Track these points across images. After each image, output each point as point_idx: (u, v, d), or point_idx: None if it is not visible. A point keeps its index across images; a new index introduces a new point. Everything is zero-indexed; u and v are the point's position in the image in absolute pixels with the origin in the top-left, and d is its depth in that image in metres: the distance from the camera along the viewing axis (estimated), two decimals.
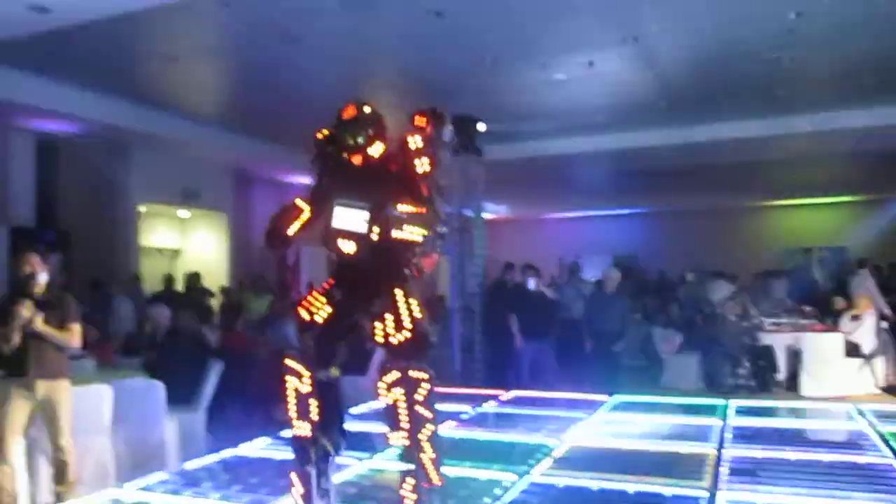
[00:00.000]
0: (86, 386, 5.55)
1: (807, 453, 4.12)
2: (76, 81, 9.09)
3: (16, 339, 4.94)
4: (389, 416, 3.06)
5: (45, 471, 5.18)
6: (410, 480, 2.99)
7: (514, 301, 9.48)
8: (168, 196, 12.64)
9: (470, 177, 10.59)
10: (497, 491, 3.46)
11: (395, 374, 3.04)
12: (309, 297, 3.26)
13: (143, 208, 12.29)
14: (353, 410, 5.36)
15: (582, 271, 13.34)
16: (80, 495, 4.16)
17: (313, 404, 3.17)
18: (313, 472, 3.17)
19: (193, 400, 6.69)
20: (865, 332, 10.24)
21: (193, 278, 11.57)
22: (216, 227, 14.04)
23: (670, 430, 4.90)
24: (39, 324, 4.97)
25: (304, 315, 3.22)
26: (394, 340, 3.07)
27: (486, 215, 11.89)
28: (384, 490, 3.52)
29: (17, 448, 4.97)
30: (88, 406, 5.47)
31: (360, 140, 3.25)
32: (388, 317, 3.09)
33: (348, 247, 3.15)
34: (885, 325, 10.76)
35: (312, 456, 3.17)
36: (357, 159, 3.26)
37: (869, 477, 3.65)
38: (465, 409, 5.56)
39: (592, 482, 3.56)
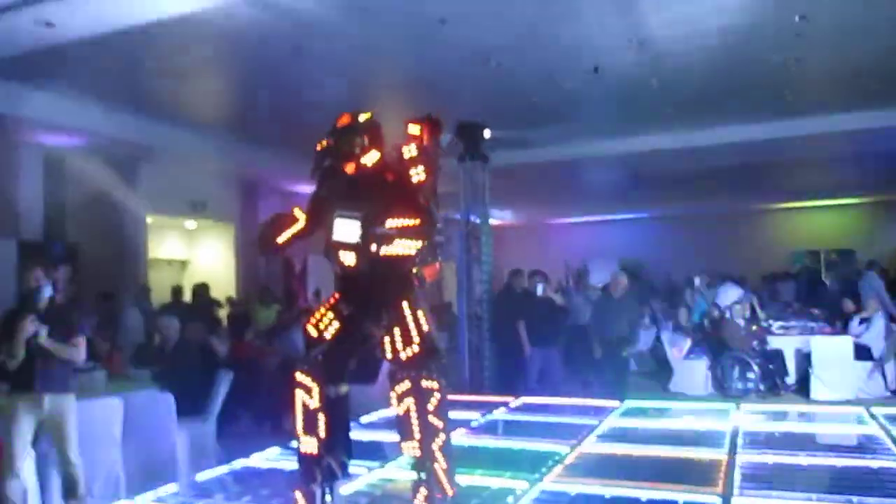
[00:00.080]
0: (96, 399, 5.56)
1: (819, 458, 4.11)
2: (83, 95, 9.11)
3: (21, 353, 4.95)
4: (401, 426, 3.05)
5: (56, 485, 5.18)
6: (423, 491, 2.99)
7: (522, 307, 9.46)
8: (175, 207, 12.66)
9: (476, 183, 10.61)
10: (509, 499, 3.45)
11: (406, 385, 3.03)
12: (316, 314, 3.25)
13: (150, 220, 12.33)
14: (364, 419, 5.36)
15: (589, 276, 13.32)
16: None
17: (321, 420, 3.15)
18: (318, 491, 3.15)
19: (203, 411, 6.69)
20: (875, 335, 10.19)
21: (202, 289, 11.59)
22: (223, 237, 14.07)
23: (682, 435, 4.89)
24: (44, 338, 4.99)
25: (313, 332, 3.21)
26: (403, 355, 3.06)
27: (492, 221, 11.89)
28: (396, 500, 3.51)
29: (26, 462, 4.98)
30: (99, 419, 5.49)
31: (354, 148, 3.23)
32: (396, 331, 3.08)
33: (349, 258, 3.15)
34: (895, 327, 10.70)
35: (318, 475, 3.15)
36: (350, 167, 3.24)
37: (883, 481, 3.63)
38: (475, 416, 5.56)
39: (605, 489, 3.55)
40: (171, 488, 3.86)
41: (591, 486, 3.60)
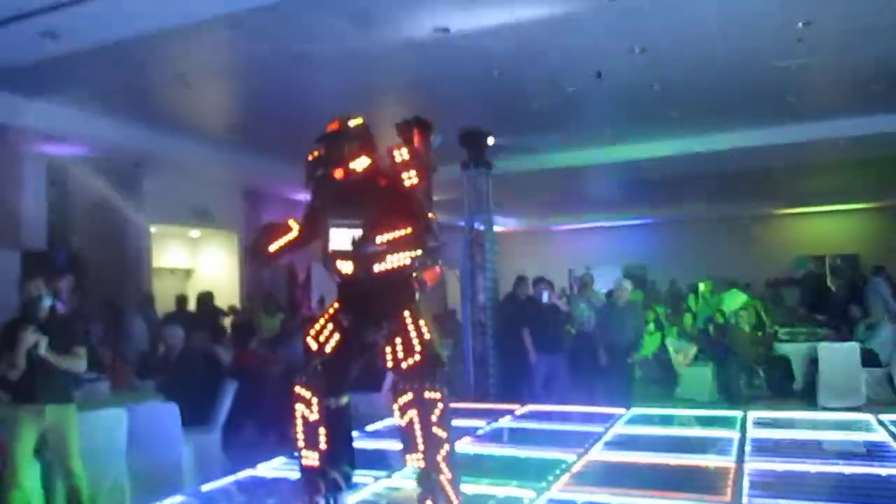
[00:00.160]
0: (101, 410, 5.54)
1: (828, 466, 4.07)
2: (86, 104, 9.12)
3: (22, 363, 4.94)
4: (405, 437, 3.03)
5: (61, 495, 5.17)
6: (429, 502, 2.96)
7: (526, 314, 9.44)
8: (179, 216, 12.68)
9: (479, 190, 10.60)
10: None
11: (408, 396, 3.01)
12: (316, 325, 3.22)
13: (154, 229, 12.33)
14: (368, 428, 5.33)
15: (594, 283, 13.28)
16: None
17: (322, 432, 3.12)
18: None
19: (208, 420, 6.68)
20: (882, 340, 10.14)
21: (206, 298, 11.59)
22: (227, 246, 14.08)
23: (689, 443, 4.85)
24: (44, 348, 4.98)
25: (313, 345, 3.18)
26: (404, 365, 3.03)
27: (496, 228, 11.87)
28: None
29: (29, 473, 4.96)
30: (104, 430, 5.47)
31: (344, 154, 3.20)
32: (397, 340, 3.06)
33: (346, 267, 3.12)
34: None
35: (322, 488, 3.12)
36: (339, 173, 3.22)
37: (892, 489, 3.60)
38: (480, 424, 5.52)
39: (613, 498, 3.52)
40: (176, 499, 3.83)
41: (598, 495, 3.57)
